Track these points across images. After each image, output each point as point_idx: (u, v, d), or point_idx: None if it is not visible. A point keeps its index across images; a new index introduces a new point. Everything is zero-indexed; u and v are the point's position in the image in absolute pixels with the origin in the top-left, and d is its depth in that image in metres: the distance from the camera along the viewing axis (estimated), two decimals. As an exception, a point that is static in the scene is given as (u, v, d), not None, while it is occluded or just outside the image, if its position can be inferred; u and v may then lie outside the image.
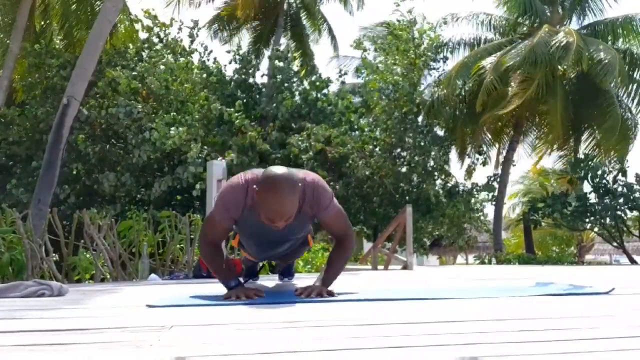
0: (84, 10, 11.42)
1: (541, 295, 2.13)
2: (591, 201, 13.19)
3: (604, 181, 12.91)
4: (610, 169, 13.16)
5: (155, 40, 12.12)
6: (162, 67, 11.61)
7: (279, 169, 2.09)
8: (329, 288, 2.23)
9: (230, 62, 12.97)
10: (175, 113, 10.92)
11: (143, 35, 12.33)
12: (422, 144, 13.35)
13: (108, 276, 5.45)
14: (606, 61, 12.56)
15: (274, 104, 11.59)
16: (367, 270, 7.61)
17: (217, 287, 2.37)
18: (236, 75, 12.75)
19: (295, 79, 12.42)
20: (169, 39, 12.19)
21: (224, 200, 2.23)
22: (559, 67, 13.80)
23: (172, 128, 10.26)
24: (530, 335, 1.26)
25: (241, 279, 2.43)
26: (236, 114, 10.92)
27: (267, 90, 12.52)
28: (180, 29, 12.74)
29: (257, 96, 12.48)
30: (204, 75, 11.89)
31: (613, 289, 2.24)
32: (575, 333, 1.28)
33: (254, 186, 2.11)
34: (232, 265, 2.59)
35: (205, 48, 12.73)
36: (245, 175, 2.23)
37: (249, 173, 2.25)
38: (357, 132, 13.15)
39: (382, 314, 1.71)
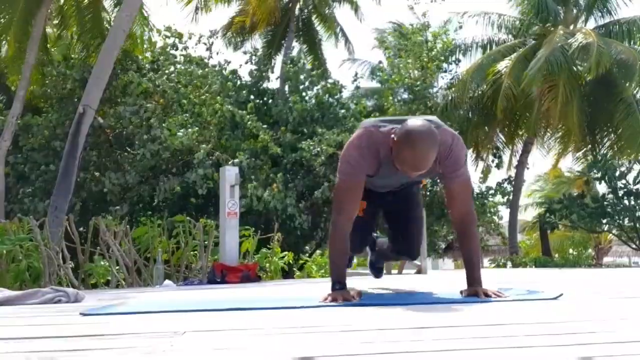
0: (98, 19, 11.56)
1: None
2: (608, 202, 12.99)
3: (623, 182, 12.71)
4: (630, 169, 12.94)
5: (174, 51, 12.17)
6: (173, 70, 11.64)
7: (419, 121, 2.06)
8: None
9: (246, 62, 12.97)
10: (188, 115, 10.92)
11: (159, 43, 12.44)
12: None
13: (123, 282, 5.50)
14: (629, 62, 12.41)
15: (287, 108, 11.61)
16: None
17: (230, 293, 2.37)
18: (251, 78, 12.75)
19: (307, 83, 12.44)
20: (187, 51, 12.24)
21: (354, 161, 2.14)
22: (579, 69, 13.62)
23: (182, 130, 10.26)
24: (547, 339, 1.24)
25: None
26: (248, 116, 10.95)
27: (280, 94, 12.56)
28: (199, 41, 12.70)
29: (270, 101, 12.51)
30: (219, 81, 11.90)
31: (561, 294, 2.21)
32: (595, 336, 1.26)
33: (392, 136, 2.05)
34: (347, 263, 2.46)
35: (224, 62, 12.80)
36: (371, 129, 2.16)
37: (368, 128, 2.18)
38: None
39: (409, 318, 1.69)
